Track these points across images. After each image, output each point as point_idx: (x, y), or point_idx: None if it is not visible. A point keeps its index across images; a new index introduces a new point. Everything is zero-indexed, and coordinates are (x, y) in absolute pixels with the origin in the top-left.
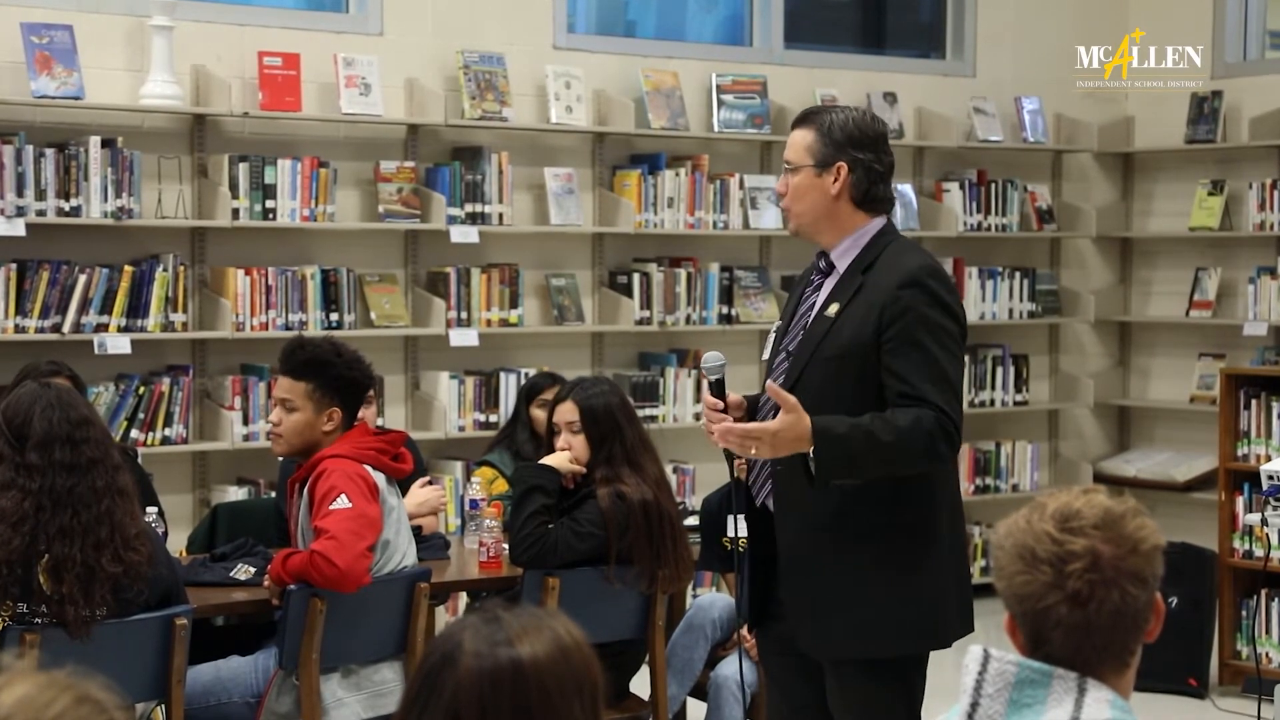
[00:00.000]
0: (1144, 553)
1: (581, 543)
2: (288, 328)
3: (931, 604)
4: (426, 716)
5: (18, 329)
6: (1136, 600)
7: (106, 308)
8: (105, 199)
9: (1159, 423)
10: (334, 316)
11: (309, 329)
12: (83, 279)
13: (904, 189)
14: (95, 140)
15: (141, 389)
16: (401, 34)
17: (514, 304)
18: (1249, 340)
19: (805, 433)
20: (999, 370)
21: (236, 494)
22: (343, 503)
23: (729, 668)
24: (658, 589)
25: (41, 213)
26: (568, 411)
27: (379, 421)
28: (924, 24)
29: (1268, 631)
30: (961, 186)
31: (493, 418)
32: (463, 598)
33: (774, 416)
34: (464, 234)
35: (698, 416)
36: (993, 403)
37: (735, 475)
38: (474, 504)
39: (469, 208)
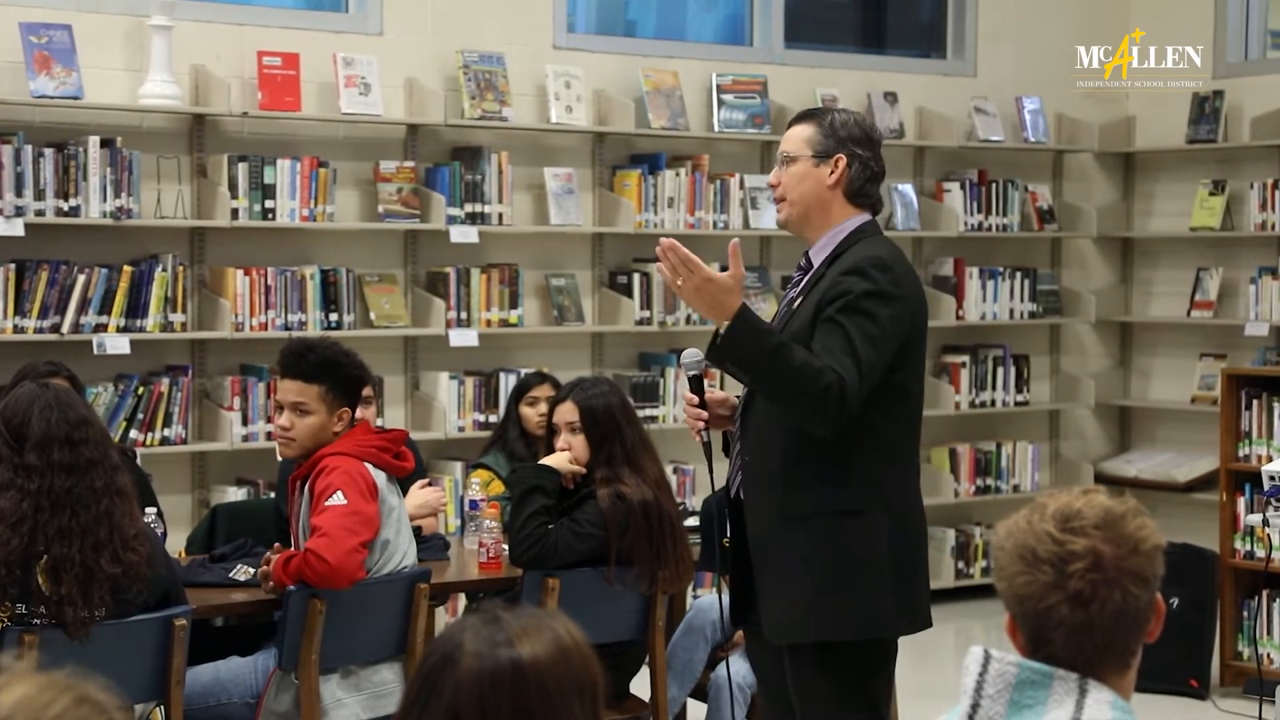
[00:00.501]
0: (1145, 552)
1: (581, 543)
2: (287, 328)
3: (865, 591)
4: (426, 717)
5: (16, 329)
6: (1138, 600)
7: (105, 308)
8: (104, 199)
9: (1160, 423)
10: (333, 317)
11: (308, 329)
12: (81, 279)
13: (905, 189)
14: (94, 140)
15: (140, 389)
16: (401, 34)
17: (514, 304)
18: (1250, 340)
19: (730, 303)
20: (1000, 370)
21: (236, 494)
22: (338, 499)
23: (729, 668)
24: (658, 590)
25: (40, 213)
26: (568, 412)
27: (379, 422)
28: (924, 24)
29: (1269, 632)
30: (962, 186)
31: (492, 418)
32: (462, 599)
33: (745, 417)
34: (464, 234)
35: None
36: (993, 403)
37: (713, 467)
38: (474, 504)
39: (469, 208)
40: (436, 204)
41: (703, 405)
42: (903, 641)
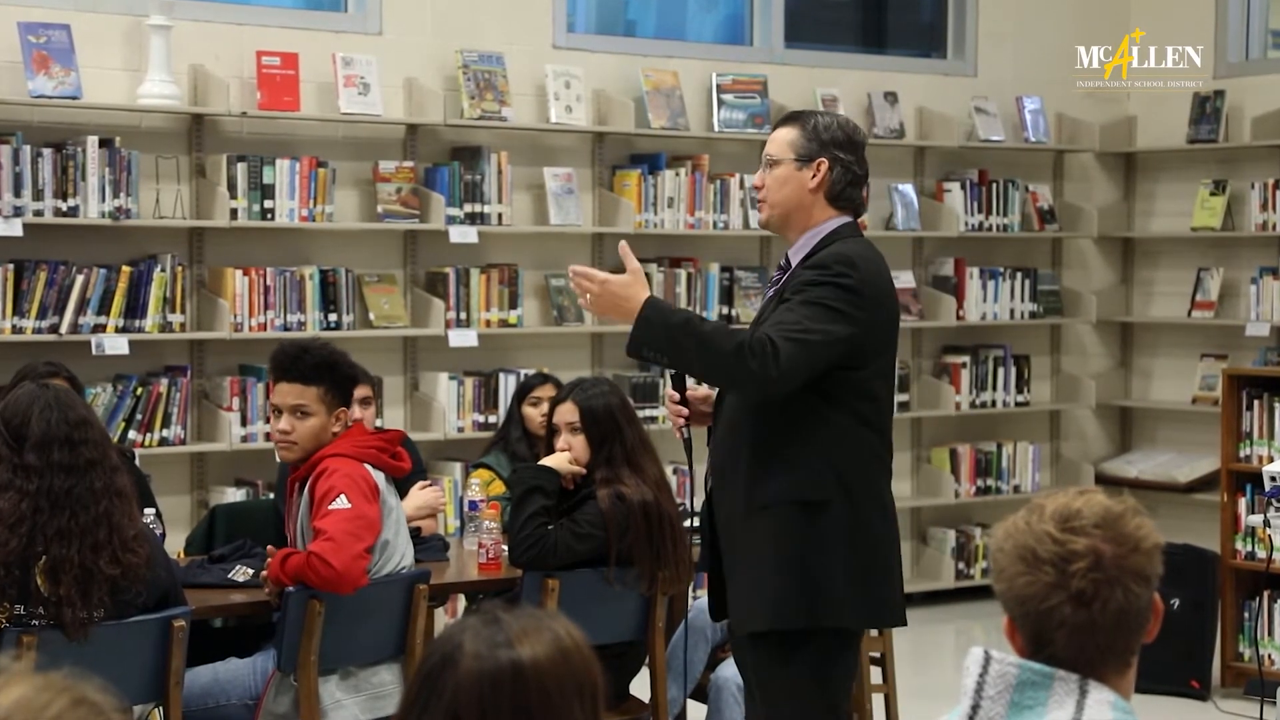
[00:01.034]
0: (1145, 551)
1: (581, 544)
2: (286, 328)
3: (813, 580)
4: (426, 718)
5: (15, 329)
6: (1139, 599)
7: (104, 308)
8: (103, 199)
9: (1161, 424)
10: (332, 317)
11: (308, 330)
12: (80, 279)
13: (905, 189)
14: (93, 140)
15: (139, 390)
16: (400, 33)
17: (513, 304)
18: (1251, 341)
19: (634, 297)
20: (1000, 371)
21: (235, 495)
22: (342, 503)
23: (730, 669)
24: (658, 590)
25: (39, 213)
26: (568, 412)
27: (378, 423)
28: (925, 24)
29: (1270, 633)
30: (963, 186)
31: (492, 418)
32: (461, 599)
33: (717, 410)
34: (463, 234)
35: None
36: (994, 403)
37: (693, 464)
38: (473, 505)
39: (468, 208)
40: (436, 204)
41: (684, 402)
42: (902, 642)
